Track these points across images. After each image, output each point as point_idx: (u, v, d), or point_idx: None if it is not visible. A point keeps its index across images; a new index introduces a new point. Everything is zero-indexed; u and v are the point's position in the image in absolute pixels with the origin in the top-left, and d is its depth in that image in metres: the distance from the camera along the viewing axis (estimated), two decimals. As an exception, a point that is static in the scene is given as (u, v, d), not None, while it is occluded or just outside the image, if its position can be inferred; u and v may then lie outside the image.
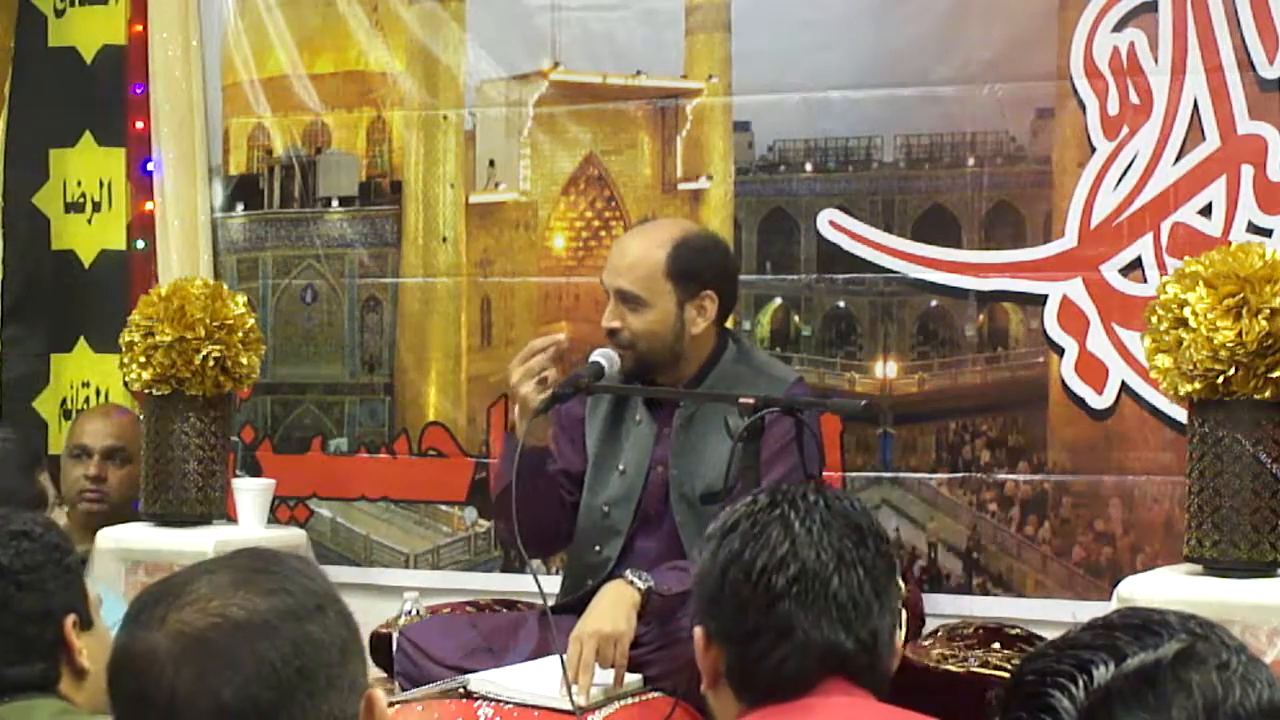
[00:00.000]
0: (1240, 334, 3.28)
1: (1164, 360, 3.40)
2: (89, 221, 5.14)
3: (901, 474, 4.28)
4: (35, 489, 2.92)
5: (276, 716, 1.48)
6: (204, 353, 4.19)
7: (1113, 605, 3.28)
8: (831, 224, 4.36)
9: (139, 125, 5.05)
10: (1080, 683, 1.29)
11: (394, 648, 3.68)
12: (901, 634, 2.12)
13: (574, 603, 3.60)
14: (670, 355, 3.64)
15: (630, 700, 3.38)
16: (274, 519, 4.59)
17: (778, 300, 4.42)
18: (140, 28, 5.03)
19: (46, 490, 2.94)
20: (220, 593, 1.51)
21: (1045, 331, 4.15)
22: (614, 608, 3.38)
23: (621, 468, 3.68)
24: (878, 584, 2.04)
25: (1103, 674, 1.29)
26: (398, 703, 3.37)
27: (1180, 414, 3.71)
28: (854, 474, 4.31)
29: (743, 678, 2.02)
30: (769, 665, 2.00)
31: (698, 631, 2.07)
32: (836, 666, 2.01)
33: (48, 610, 2.24)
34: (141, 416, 4.49)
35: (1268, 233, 3.93)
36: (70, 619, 2.25)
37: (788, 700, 1.99)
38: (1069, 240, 4.14)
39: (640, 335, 3.61)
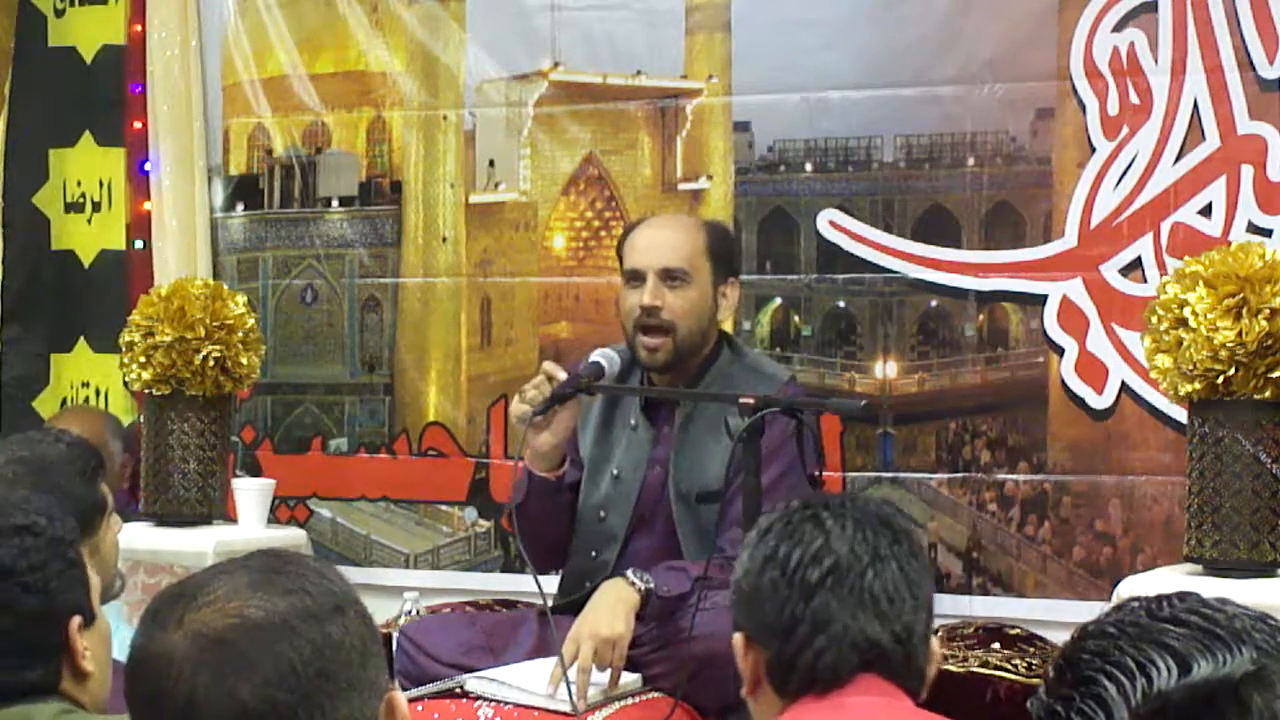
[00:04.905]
0: (1240, 334, 3.28)
1: (1164, 360, 3.40)
2: (89, 221, 5.15)
3: (901, 474, 4.28)
4: (98, 495, 2.82)
5: (296, 718, 1.46)
6: (204, 353, 4.19)
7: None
8: (831, 224, 4.36)
9: (138, 125, 5.05)
10: (1138, 684, 1.28)
11: (394, 647, 3.68)
12: (936, 640, 2.13)
13: (575, 601, 3.59)
14: (701, 341, 3.61)
15: (630, 700, 3.38)
16: (274, 519, 4.59)
17: (778, 300, 4.42)
18: (140, 28, 5.03)
19: (107, 497, 2.85)
20: (238, 593, 1.50)
21: (1045, 331, 4.15)
22: (613, 609, 3.37)
23: (615, 472, 3.66)
24: (911, 581, 2.07)
25: (1164, 681, 1.28)
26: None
27: (1180, 414, 3.71)
28: (854, 474, 4.31)
29: (782, 673, 2.04)
30: (807, 658, 2.02)
31: (737, 637, 2.09)
32: (872, 660, 2.03)
33: (52, 612, 2.11)
34: (141, 417, 4.49)
35: (1268, 233, 3.94)
36: (75, 621, 2.14)
37: (824, 693, 2.01)
38: (1069, 240, 4.14)
39: (680, 314, 3.57)
